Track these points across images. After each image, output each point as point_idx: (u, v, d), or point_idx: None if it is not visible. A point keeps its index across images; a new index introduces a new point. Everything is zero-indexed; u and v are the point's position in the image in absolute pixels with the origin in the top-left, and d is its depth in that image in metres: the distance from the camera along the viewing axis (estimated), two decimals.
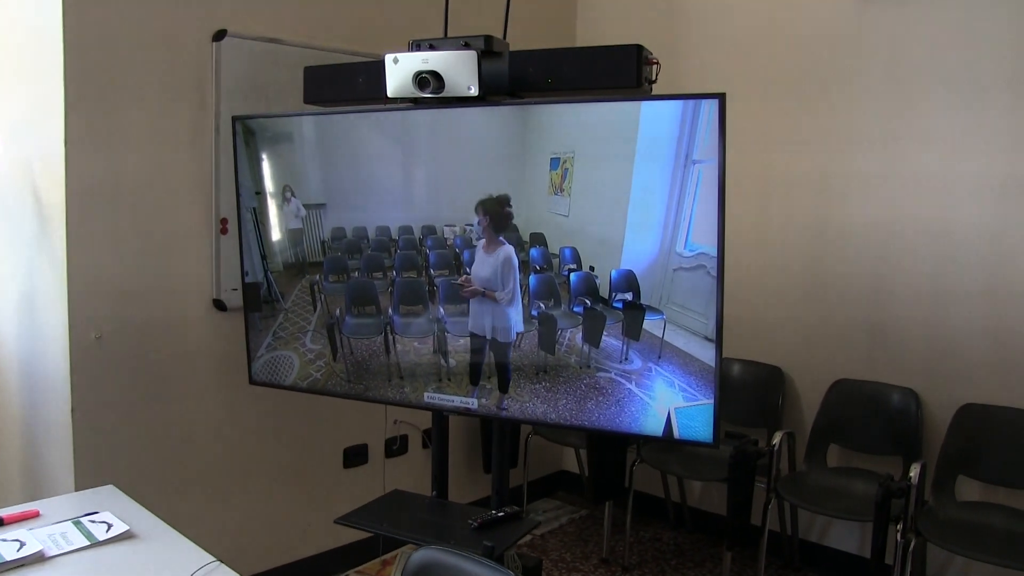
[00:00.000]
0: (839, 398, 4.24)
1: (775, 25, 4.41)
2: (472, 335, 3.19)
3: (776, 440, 4.15)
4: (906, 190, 4.04)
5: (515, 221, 3.03)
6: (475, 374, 3.19)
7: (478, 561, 2.03)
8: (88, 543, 2.35)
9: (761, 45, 4.46)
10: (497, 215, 3.05)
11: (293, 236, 3.47)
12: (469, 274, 3.17)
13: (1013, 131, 3.76)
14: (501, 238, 3.07)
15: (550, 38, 4.96)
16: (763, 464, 4.10)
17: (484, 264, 3.12)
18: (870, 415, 4.15)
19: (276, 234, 3.48)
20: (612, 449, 4.27)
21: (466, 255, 3.15)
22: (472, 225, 3.10)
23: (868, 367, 4.21)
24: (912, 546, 3.64)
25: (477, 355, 3.17)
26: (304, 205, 3.40)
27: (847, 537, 4.34)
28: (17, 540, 2.32)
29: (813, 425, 4.29)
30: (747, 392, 4.48)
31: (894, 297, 4.12)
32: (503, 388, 3.14)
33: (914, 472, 3.73)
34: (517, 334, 3.10)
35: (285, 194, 3.45)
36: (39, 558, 2.26)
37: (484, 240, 3.13)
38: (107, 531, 2.41)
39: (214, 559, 2.27)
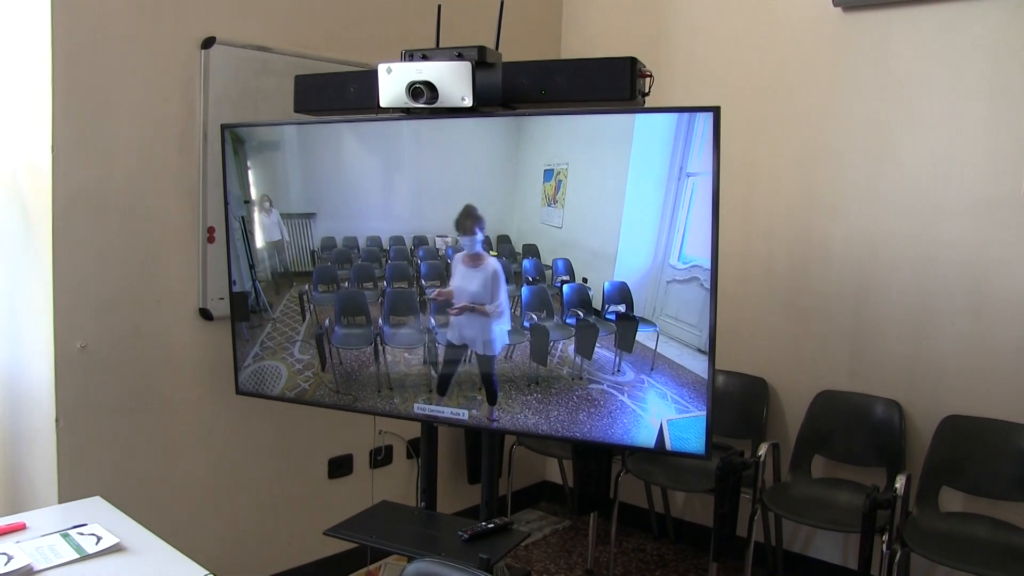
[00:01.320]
0: (823, 409, 4.26)
1: (757, 41, 4.43)
2: (450, 346, 3.20)
3: (761, 451, 4.16)
4: (889, 203, 4.07)
5: (508, 232, 3.03)
6: (444, 385, 3.20)
7: (473, 573, 2.01)
8: (77, 556, 2.31)
9: (744, 59, 4.48)
10: (479, 220, 3.08)
11: (274, 247, 3.45)
12: (442, 287, 3.18)
13: (993, 144, 3.79)
14: (484, 251, 3.08)
15: (535, 49, 4.97)
16: (748, 475, 4.11)
17: (471, 278, 3.12)
18: (854, 426, 4.17)
19: (263, 243, 3.46)
20: (597, 460, 4.27)
21: (455, 269, 3.15)
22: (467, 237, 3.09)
23: (852, 378, 4.23)
24: (898, 557, 3.66)
25: (451, 366, 3.19)
26: (294, 214, 3.38)
27: (831, 548, 4.36)
28: (4, 554, 2.28)
29: (797, 436, 4.31)
30: (732, 403, 4.49)
31: (877, 309, 4.14)
32: (492, 400, 3.14)
33: (900, 483, 3.75)
34: (504, 346, 3.10)
35: (264, 204, 3.44)
36: (27, 572, 2.22)
37: (464, 253, 3.14)
38: (96, 544, 2.38)
39: (206, 572, 2.25)
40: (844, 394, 4.22)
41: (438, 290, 3.18)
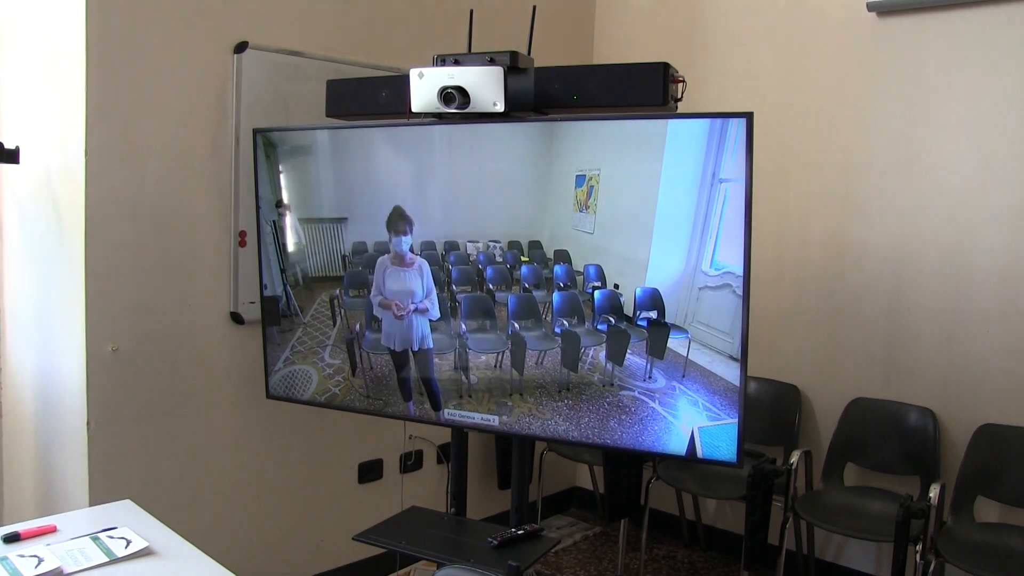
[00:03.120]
0: (856, 417, 4.21)
1: (792, 45, 4.40)
2: (394, 353, 3.27)
3: (793, 459, 4.12)
4: (923, 210, 4.02)
5: (539, 238, 3.02)
6: (407, 390, 3.28)
7: None
8: (107, 559, 2.32)
9: (778, 65, 4.45)
10: (410, 222, 3.17)
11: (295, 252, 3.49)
12: (385, 296, 3.25)
13: None
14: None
15: (567, 55, 4.96)
16: (780, 483, 4.07)
17: (405, 278, 3.21)
18: (887, 434, 4.12)
19: (293, 247, 3.47)
20: (628, 466, 4.25)
21: (386, 272, 3.22)
22: (497, 242, 3.09)
23: (885, 386, 4.19)
24: (932, 567, 3.61)
25: (407, 371, 3.28)
26: (325, 219, 3.39)
27: (863, 557, 4.31)
28: (35, 556, 2.29)
29: (830, 444, 4.26)
30: (764, 410, 4.45)
31: (911, 316, 4.09)
32: (436, 406, 3.25)
33: (934, 493, 3.70)
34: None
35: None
36: (57, 574, 2.23)
37: (391, 255, 3.21)
38: (126, 547, 2.38)
39: None
40: (877, 401, 4.18)
41: (394, 302, 3.23)
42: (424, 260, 3.18)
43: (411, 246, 3.21)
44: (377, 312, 3.27)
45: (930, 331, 4.04)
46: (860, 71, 4.18)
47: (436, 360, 3.23)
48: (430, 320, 3.21)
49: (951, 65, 3.92)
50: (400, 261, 3.19)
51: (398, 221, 3.18)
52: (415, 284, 3.18)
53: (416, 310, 3.19)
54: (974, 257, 3.90)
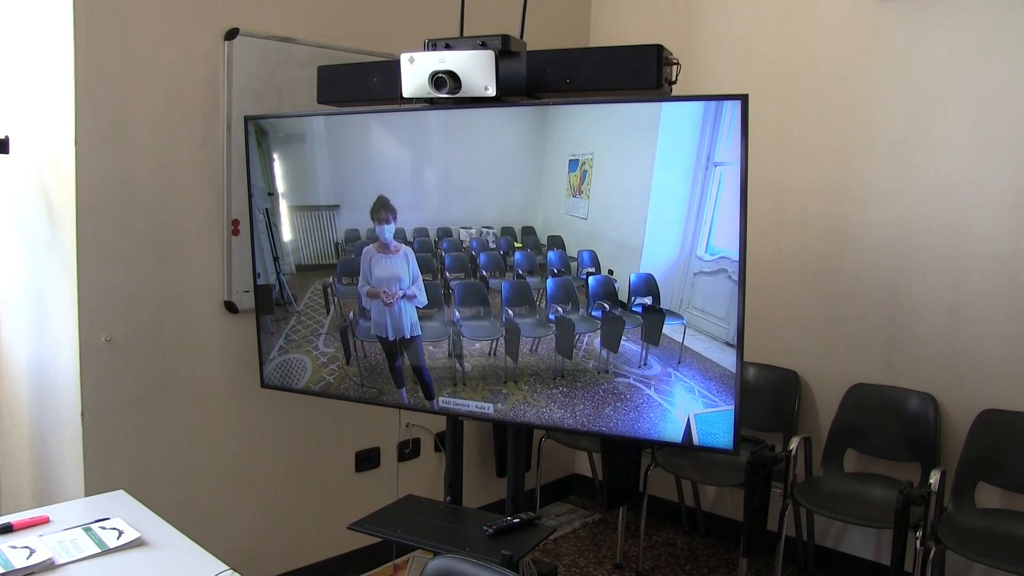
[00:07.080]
0: (856, 403, 4.20)
1: (792, 28, 4.36)
2: (384, 342, 3.26)
3: (793, 445, 4.10)
4: (924, 194, 4.00)
5: (533, 224, 3.00)
6: (400, 377, 3.27)
7: (495, 570, 1.98)
8: (99, 550, 2.32)
9: (777, 47, 4.42)
10: (393, 211, 3.16)
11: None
12: (372, 284, 3.24)
13: None
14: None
15: (564, 38, 4.93)
16: (779, 469, 4.05)
17: (391, 265, 3.20)
18: (887, 420, 4.10)
19: (288, 235, 3.44)
20: (627, 453, 4.23)
21: (372, 260, 3.22)
22: (490, 228, 3.06)
23: (885, 371, 4.16)
24: (932, 554, 3.59)
25: (398, 359, 3.27)
26: (318, 206, 3.36)
27: (863, 543, 4.30)
28: (27, 547, 2.28)
29: (830, 430, 4.25)
30: (763, 396, 4.43)
31: (912, 301, 4.07)
32: (429, 395, 3.23)
33: (934, 479, 3.68)
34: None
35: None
36: (49, 566, 2.22)
37: (377, 243, 3.22)
38: (118, 538, 2.38)
39: (227, 567, 2.24)
40: (878, 387, 4.16)
41: (382, 289, 3.23)
42: (408, 248, 3.17)
43: (395, 234, 3.19)
44: (365, 303, 3.25)
45: (931, 316, 4.02)
46: (860, 54, 4.15)
47: (430, 348, 3.21)
48: (418, 307, 3.19)
49: (952, 48, 3.88)
50: (385, 249, 3.18)
51: (381, 210, 3.17)
52: (401, 270, 3.16)
53: (404, 296, 3.17)
54: (975, 241, 3.87)
